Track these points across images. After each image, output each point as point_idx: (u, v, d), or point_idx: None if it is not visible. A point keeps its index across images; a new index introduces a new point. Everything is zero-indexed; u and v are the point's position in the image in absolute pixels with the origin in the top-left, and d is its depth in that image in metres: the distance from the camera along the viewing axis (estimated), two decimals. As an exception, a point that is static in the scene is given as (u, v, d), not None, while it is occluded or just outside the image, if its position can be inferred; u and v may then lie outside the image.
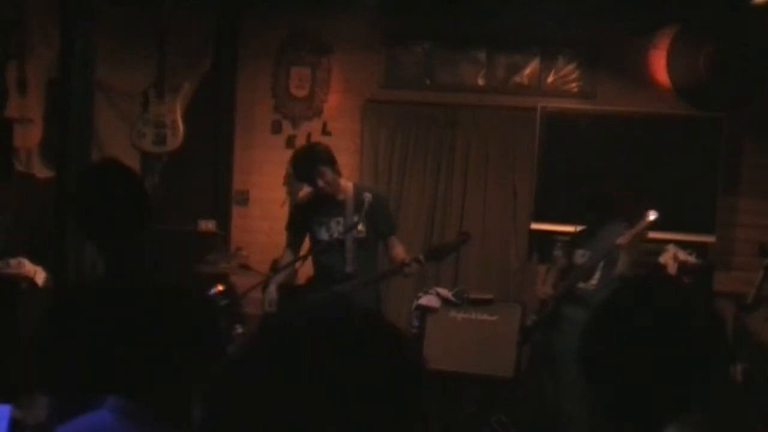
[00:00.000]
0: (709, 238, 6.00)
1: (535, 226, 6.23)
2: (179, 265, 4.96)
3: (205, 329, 1.71)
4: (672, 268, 5.47)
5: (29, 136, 5.94)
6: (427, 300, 5.64)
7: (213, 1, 6.46)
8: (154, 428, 1.58)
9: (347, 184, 4.83)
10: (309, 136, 6.57)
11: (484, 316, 5.73)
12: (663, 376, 1.56)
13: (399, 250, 4.78)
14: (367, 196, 4.68)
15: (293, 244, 4.98)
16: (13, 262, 5.38)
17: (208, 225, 6.38)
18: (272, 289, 4.81)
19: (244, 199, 6.67)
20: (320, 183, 4.64)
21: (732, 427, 4.95)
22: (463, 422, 5.66)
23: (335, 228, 4.76)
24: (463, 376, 5.64)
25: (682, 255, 5.67)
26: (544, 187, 6.17)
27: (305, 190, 5.51)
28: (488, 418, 5.57)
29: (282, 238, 6.09)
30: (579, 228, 5.28)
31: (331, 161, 4.68)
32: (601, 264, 4.89)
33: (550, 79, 6.36)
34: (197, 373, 1.65)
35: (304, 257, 4.93)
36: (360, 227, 4.71)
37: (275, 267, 6.05)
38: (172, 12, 5.96)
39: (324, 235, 4.77)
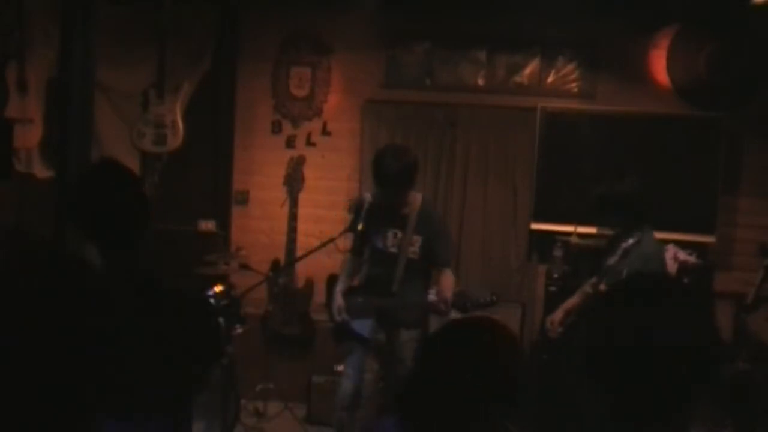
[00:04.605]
0: (709, 238, 6.00)
1: (535, 226, 6.23)
2: (179, 265, 4.95)
3: (203, 329, 1.72)
4: (672, 268, 5.48)
5: (29, 136, 5.94)
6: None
7: (213, 1, 6.46)
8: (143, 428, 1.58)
9: (416, 197, 4.58)
10: (309, 136, 6.57)
11: (484, 316, 5.73)
12: (658, 377, 1.56)
13: (447, 285, 4.49)
14: (431, 216, 4.52)
15: (357, 247, 4.71)
16: (13, 262, 5.36)
17: (208, 225, 6.38)
18: (339, 298, 4.59)
19: (244, 199, 6.67)
20: (392, 193, 4.42)
21: (733, 427, 4.95)
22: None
23: (391, 240, 4.54)
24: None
25: (682, 255, 5.69)
26: (544, 187, 6.17)
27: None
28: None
29: (282, 237, 6.12)
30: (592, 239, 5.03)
31: (414, 178, 4.47)
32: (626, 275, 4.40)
33: (550, 79, 6.36)
34: (196, 372, 1.65)
35: (315, 249, 4.85)
36: (415, 247, 4.51)
37: (275, 267, 6.07)
38: (172, 12, 5.96)
39: (379, 244, 4.56)
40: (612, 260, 4.66)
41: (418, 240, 4.52)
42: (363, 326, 4.56)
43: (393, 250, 4.53)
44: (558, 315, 4.86)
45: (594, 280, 4.77)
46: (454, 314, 4.53)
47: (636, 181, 4.69)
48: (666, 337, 1.57)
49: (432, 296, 4.41)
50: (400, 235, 4.52)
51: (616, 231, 4.71)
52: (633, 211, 4.58)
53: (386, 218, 4.52)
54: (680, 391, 1.58)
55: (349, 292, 4.68)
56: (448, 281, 4.52)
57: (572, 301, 4.90)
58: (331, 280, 5.13)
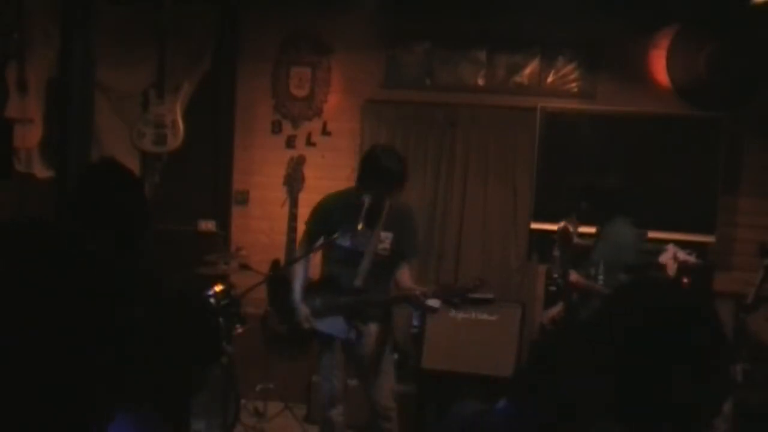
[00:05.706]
0: (709, 238, 6.00)
1: (535, 225, 6.23)
2: (179, 265, 4.95)
3: (203, 329, 1.71)
4: (672, 268, 5.47)
5: (29, 136, 5.94)
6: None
7: (213, 1, 6.47)
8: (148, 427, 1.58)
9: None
10: (309, 136, 6.58)
11: (484, 316, 5.74)
12: (661, 380, 1.56)
13: (406, 277, 4.50)
14: (401, 212, 4.51)
15: (308, 244, 4.68)
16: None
17: (208, 225, 6.39)
18: (302, 307, 4.55)
19: (244, 199, 6.67)
20: (390, 193, 4.43)
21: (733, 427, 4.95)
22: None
23: (360, 238, 4.49)
24: (463, 376, 5.65)
25: (682, 255, 5.67)
26: (544, 187, 6.17)
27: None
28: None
29: (282, 237, 6.12)
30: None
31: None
32: (602, 265, 4.73)
33: (550, 79, 6.36)
34: (196, 372, 1.65)
35: (297, 259, 4.85)
36: (385, 244, 4.48)
37: (274, 267, 6.07)
38: (172, 12, 5.96)
39: (346, 242, 4.49)
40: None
41: (388, 237, 4.49)
42: (328, 325, 4.53)
43: (360, 247, 4.50)
44: (554, 311, 4.97)
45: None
46: (436, 304, 4.55)
47: (609, 177, 4.88)
48: (663, 341, 1.57)
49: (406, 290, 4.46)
50: (368, 233, 4.48)
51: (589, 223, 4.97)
52: (597, 205, 4.87)
53: (354, 215, 4.44)
54: (682, 398, 1.57)
55: (305, 293, 4.62)
56: (405, 275, 4.52)
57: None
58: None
